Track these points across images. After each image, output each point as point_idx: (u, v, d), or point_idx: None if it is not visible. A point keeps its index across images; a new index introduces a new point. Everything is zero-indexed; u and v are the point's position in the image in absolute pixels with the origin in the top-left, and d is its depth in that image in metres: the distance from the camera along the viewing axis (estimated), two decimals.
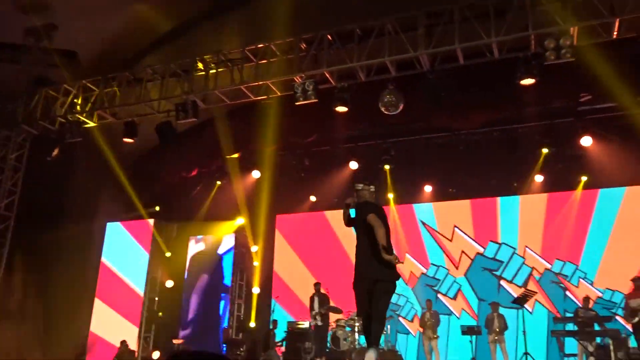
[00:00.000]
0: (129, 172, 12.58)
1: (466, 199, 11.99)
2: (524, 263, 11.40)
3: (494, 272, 11.59)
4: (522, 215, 11.57)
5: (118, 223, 13.05)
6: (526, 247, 11.42)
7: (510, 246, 11.58)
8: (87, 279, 12.43)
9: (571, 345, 9.62)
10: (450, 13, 7.53)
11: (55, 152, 9.82)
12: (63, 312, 11.23)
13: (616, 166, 10.15)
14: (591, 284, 10.76)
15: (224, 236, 13.52)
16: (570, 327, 9.44)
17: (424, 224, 12.33)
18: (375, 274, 4.69)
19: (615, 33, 7.05)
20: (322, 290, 10.67)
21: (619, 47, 7.17)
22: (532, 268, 11.29)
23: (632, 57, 7.10)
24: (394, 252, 4.76)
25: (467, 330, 10.13)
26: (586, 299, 9.76)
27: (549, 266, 11.16)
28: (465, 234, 11.94)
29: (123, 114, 9.86)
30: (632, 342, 8.80)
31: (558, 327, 9.65)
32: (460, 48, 7.58)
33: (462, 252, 11.90)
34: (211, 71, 9.15)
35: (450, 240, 12.07)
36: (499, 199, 11.77)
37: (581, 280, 10.89)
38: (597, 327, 9.00)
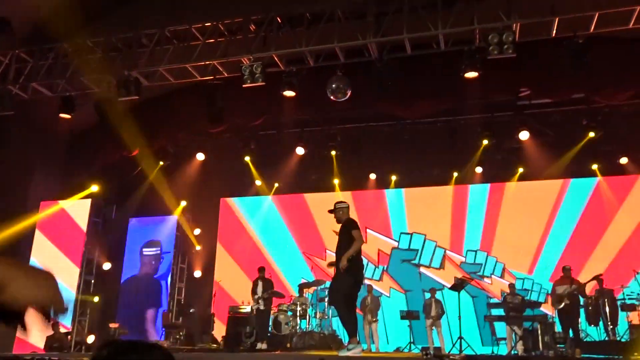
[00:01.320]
0: (66, 149, 12.06)
1: (407, 187, 12.29)
2: (436, 246, 11.86)
3: (412, 262, 12.00)
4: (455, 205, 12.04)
5: (53, 202, 12.46)
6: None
7: (420, 233, 12.02)
8: (19, 257, 11.85)
9: (502, 329, 10.10)
10: (400, 2, 7.60)
11: None
12: None
13: (551, 160, 10.65)
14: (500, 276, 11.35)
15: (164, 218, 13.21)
16: (501, 312, 9.90)
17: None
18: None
19: (554, 31, 7.34)
20: (266, 276, 10.66)
21: (557, 45, 7.46)
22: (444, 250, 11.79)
23: (569, 55, 7.41)
24: None
25: (406, 315, 10.43)
26: (511, 286, 10.25)
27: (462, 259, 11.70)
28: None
29: (60, 88, 9.39)
30: (557, 327, 9.32)
31: (490, 312, 10.09)
32: (408, 38, 7.67)
33: (379, 249, 12.25)
34: (156, 48, 8.84)
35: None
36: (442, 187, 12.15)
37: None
38: (528, 312, 9.49)
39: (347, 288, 6.01)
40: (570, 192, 11.42)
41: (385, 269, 12.20)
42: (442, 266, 11.76)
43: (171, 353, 1.26)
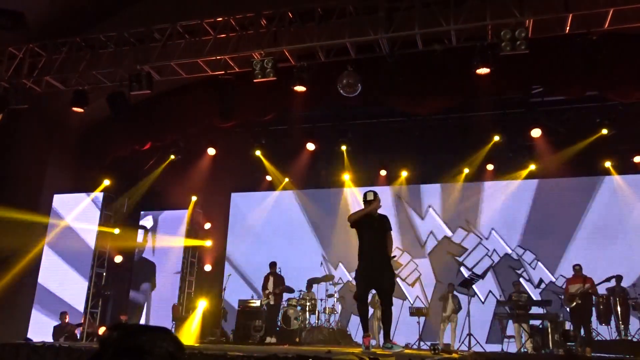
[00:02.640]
0: (79, 143, 12.17)
1: (420, 183, 12.25)
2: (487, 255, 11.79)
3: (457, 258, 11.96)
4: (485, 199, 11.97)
5: (65, 195, 12.60)
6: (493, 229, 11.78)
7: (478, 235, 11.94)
8: (31, 248, 12.00)
9: (512, 327, 10.06)
10: None
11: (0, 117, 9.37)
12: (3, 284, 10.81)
13: (562, 157, 10.56)
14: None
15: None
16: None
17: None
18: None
19: (567, 28, 7.26)
20: (278, 271, 10.71)
21: (571, 42, 7.37)
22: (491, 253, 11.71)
23: (582, 52, 7.32)
24: None
25: (415, 312, 10.43)
26: (516, 284, 10.19)
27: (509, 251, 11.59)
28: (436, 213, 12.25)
29: (73, 82, 9.47)
30: (568, 325, 9.27)
31: (500, 310, 10.06)
32: (419, 34, 7.63)
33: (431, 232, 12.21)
34: (168, 42, 8.88)
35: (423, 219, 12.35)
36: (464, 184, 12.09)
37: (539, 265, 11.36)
38: (537, 310, 9.45)
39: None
40: (583, 190, 11.31)
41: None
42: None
43: (180, 340, 1.28)
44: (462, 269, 11.72)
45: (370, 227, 6.16)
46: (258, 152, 12.24)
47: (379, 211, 6.27)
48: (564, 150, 10.44)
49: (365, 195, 6.35)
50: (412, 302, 11.68)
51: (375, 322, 10.72)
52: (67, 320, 10.97)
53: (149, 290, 12.77)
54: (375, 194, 6.26)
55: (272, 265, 10.74)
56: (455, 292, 10.55)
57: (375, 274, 6.02)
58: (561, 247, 11.07)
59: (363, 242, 6.15)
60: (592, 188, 11.24)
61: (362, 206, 6.32)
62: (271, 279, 10.54)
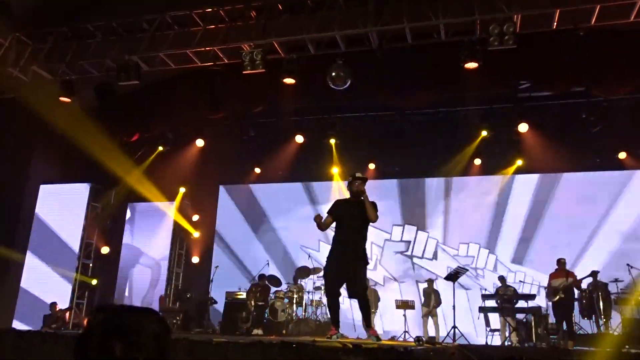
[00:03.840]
0: (65, 133, 12.03)
1: (406, 177, 12.31)
2: (429, 237, 11.93)
3: (405, 253, 12.07)
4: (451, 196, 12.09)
5: (52, 185, 12.51)
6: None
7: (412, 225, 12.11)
8: (17, 240, 11.92)
9: (496, 321, 10.17)
10: None
11: None
12: None
13: (549, 153, 10.65)
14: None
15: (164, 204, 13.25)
16: (494, 303, 9.97)
17: None
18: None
19: (555, 23, 7.32)
20: (266, 282, 10.66)
21: (558, 38, 7.44)
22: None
23: (569, 48, 7.40)
24: None
25: (402, 305, 10.51)
26: (502, 278, 10.29)
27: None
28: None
29: (60, 72, 9.39)
30: (551, 319, 9.39)
31: (485, 304, 10.16)
32: (408, 28, 7.66)
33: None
34: (156, 33, 8.83)
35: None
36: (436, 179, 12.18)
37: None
38: (522, 304, 9.55)
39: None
40: (566, 185, 11.44)
41: (379, 259, 12.27)
42: (434, 257, 11.84)
43: (166, 320, 1.28)
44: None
45: (348, 212, 5.67)
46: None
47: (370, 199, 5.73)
48: (550, 145, 10.53)
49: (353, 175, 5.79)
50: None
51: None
52: (57, 309, 10.94)
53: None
54: (362, 177, 5.72)
55: (261, 277, 10.71)
56: (435, 287, 10.67)
57: (347, 268, 5.54)
58: (547, 241, 11.21)
59: (339, 230, 5.70)
60: (578, 183, 11.38)
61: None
62: (257, 291, 10.44)
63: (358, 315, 10.89)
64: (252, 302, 10.19)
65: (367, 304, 5.67)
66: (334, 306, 5.72)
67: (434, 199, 12.19)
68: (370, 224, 5.72)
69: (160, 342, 1.17)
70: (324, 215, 5.88)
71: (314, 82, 8.96)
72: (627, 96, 8.76)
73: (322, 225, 5.73)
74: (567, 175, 11.44)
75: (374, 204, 5.66)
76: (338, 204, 5.87)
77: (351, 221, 5.62)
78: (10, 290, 11.62)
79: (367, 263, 5.69)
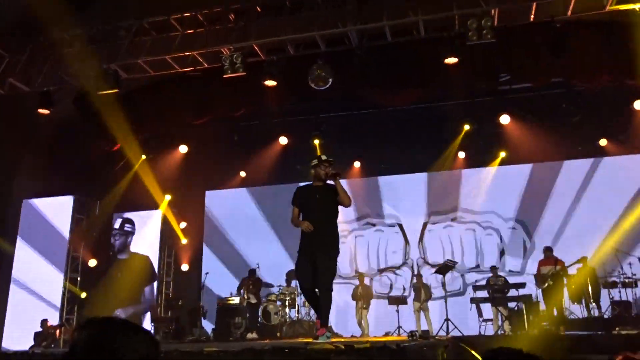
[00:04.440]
0: (49, 145, 11.85)
1: (394, 174, 12.38)
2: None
3: None
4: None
5: (35, 200, 12.31)
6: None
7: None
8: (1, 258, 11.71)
9: (488, 311, 10.27)
10: None
11: None
12: None
13: (532, 143, 10.79)
14: None
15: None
16: (486, 294, 10.07)
17: None
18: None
19: (532, 16, 7.40)
20: (258, 273, 10.67)
21: (536, 30, 7.53)
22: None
23: (547, 40, 7.49)
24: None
25: (394, 300, 10.57)
26: (493, 268, 10.40)
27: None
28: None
29: (38, 84, 9.22)
30: (542, 306, 9.51)
31: (477, 295, 10.26)
32: (388, 25, 7.68)
33: None
34: (134, 40, 8.72)
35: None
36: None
37: None
38: (512, 293, 9.67)
39: (335, 268, 5.26)
40: (552, 175, 11.60)
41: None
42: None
43: (155, 338, 1.23)
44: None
45: (312, 199, 5.24)
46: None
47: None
48: (533, 135, 10.66)
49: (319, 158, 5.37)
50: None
51: (358, 312, 10.82)
52: (48, 325, 10.77)
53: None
54: (329, 160, 5.31)
55: (252, 272, 10.70)
56: (424, 281, 10.75)
57: (315, 257, 5.09)
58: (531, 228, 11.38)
59: (305, 219, 5.19)
60: (559, 172, 11.54)
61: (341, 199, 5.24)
62: (249, 282, 10.46)
63: (350, 314, 11.02)
64: (245, 297, 10.16)
65: (329, 299, 5.09)
66: (312, 302, 5.33)
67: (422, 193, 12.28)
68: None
69: None
70: None
71: (296, 83, 8.94)
72: (605, 85, 8.90)
73: (293, 220, 5.28)
74: (551, 165, 11.59)
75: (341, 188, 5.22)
76: (299, 191, 5.42)
77: (316, 207, 5.18)
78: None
79: (337, 253, 5.22)
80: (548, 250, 9.90)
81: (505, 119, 10.39)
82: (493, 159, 11.63)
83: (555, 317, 9.03)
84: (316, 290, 5.14)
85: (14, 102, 9.47)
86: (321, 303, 5.10)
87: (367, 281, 11.34)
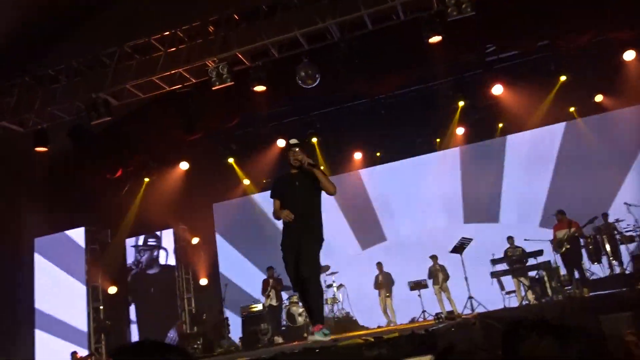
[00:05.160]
0: (50, 181, 11.94)
1: (394, 161, 12.34)
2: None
3: None
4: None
5: (46, 237, 12.42)
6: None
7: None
8: (22, 301, 11.85)
9: (510, 283, 10.23)
10: None
11: None
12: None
13: (528, 110, 10.72)
14: None
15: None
16: (505, 266, 10.02)
17: None
18: None
19: None
20: (276, 274, 10.70)
21: None
22: None
23: (529, 4, 7.42)
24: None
25: (414, 285, 10.55)
26: (510, 238, 10.32)
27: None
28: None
29: (31, 123, 9.28)
30: (562, 271, 9.46)
31: (496, 268, 10.21)
32: (366, 14, 7.64)
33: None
34: (118, 65, 8.75)
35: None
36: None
37: None
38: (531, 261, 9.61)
39: (318, 255, 4.73)
40: (551, 138, 11.52)
41: None
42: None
43: (189, 352, 1.25)
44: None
45: (291, 188, 4.84)
46: (231, 160, 12.26)
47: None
48: (527, 102, 10.59)
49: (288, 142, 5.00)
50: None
51: (382, 301, 10.81)
52: (78, 357, 10.88)
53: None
54: (297, 143, 4.88)
55: (269, 269, 10.73)
56: (440, 262, 10.71)
57: (298, 247, 4.65)
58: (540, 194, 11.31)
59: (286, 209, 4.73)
60: (559, 134, 11.46)
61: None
62: (270, 282, 10.53)
63: (374, 304, 11.01)
64: (269, 297, 10.22)
65: (318, 287, 4.68)
66: (302, 300, 4.87)
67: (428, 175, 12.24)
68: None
69: None
70: None
71: (285, 85, 8.95)
72: (590, 42, 8.80)
73: (275, 214, 4.83)
74: (550, 128, 11.51)
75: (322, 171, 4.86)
76: (277, 182, 5.09)
77: (294, 195, 4.77)
78: (27, 334, 11.59)
79: (321, 240, 4.76)
80: (560, 213, 9.80)
81: (497, 89, 10.31)
82: (493, 131, 11.56)
83: (577, 280, 8.98)
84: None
85: (8, 143, 9.54)
86: (311, 293, 4.59)
87: (386, 269, 11.32)
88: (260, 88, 8.49)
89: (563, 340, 1.56)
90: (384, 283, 10.90)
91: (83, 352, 11.45)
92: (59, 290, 12.12)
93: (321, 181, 4.72)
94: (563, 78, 10.18)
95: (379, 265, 11.20)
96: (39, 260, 12.29)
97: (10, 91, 9.17)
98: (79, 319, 12.06)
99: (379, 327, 10.27)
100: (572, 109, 11.15)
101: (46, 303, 12.11)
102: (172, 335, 12.26)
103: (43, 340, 11.85)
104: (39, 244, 12.35)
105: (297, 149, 4.81)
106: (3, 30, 8.73)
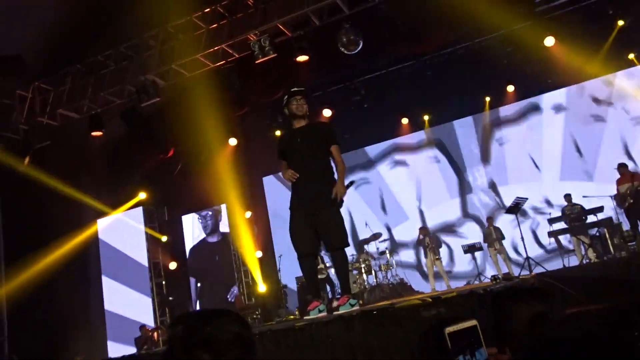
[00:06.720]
0: (107, 164, 12.44)
1: (440, 124, 12.10)
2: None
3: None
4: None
5: (108, 218, 13.01)
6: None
7: None
8: (91, 284, 12.54)
9: (569, 242, 9.95)
10: None
11: (27, 161, 9.63)
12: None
13: (582, 61, 10.19)
14: None
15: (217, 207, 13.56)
16: (563, 225, 9.72)
17: None
18: None
19: None
20: None
21: None
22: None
23: None
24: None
25: (468, 249, 10.43)
26: (567, 196, 9.96)
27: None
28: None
29: (85, 109, 9.64)
30: (625, 226, 9.09)
31: (553, 227, 9.93)
32: None
33: None
34: (163, 46, 8.91)
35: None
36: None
37: None
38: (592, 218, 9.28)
39: (343, 221, 4.35)
40: (608, 90, 10.94)
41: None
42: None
43: (241, 315, 1.30)
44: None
45: (294, 144, 4.39)
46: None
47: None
48: (582, 52, 10.04)
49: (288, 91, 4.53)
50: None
51: (430, 265, 10.72)
52: (146, 329, 11.49)
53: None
54: (300, 90, 4.45)
55: None
56: (494, 224, 10.50)
57: (314, 213, 4.22)
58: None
59: (293, 169, 4.32)
60: (614, 84, 10.86)
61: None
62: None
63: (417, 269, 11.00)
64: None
65: (346, 260, 4.38)
66: (306, 269, 4.37)
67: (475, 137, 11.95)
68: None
69: (243, 341, 1.19)
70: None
71: (328, 53, 8.85)
72: None
73: (283, 175, 4.45)
74: (607, 78, 10.92)
75: (322, 127, 4.59)
76: (281, 138, 4.72)
77: (299, 153, 4.33)
78: (97, 315, 12.27)
79: (342, 202, 4.33)
80: (622, 166, 9.38)
81: (549, 41, 9.82)
82: (545, 87, 11.08)
83: None
84: (318, 256, 4.43)
85: (66, 131, 9.95)
86: (339, 263, 4.31)
87: (431, 232, 11.21)
88: (302, 58, 8.44)
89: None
90: (432, 245, 10.78)
91: (151, 325, 12.04)
92: (124, 270, 12.72)
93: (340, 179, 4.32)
94: (621, 23, 9.57)
95: (423, 229, 11.05)
96: (103, 237, 12.91)
97: (64, 80, 9.54)
98: (145, 292, 12.65)
99: (434, 290, 10.26)
100: (631, 56, 10.48)
101: (113, 282, 12.74)
102: (234, 291, 12.71)
103: (112, 317, 12.52)
104: (103, 223, 12.95)
105: (300, 97, 4.40)
106: (54, 22, 9.03)
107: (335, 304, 4.31)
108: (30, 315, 9.91)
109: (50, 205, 10.66)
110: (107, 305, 12.59)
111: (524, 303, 1.71)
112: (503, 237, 10.41)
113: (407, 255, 12.12)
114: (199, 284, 13.39)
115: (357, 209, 12.26)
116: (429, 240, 10.82)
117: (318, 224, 4.23)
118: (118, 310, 12.55)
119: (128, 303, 12.57)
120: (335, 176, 4.36)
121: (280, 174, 4.52)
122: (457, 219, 11.96)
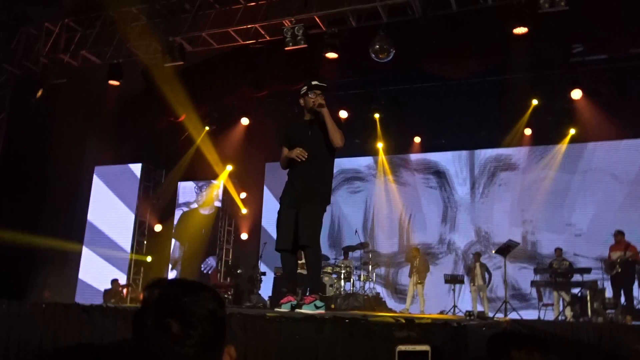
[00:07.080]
0: (116, 116, 12.42)
1: (453, 150, 12.06)
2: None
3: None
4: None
5: (105, 167, 13.01)
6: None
7: None
8: (75, 223, 12.49)
9: (549, 295, 9.93)
10: None
11: (40, 93, 9.62)
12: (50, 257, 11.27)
13: (604, 120, 10.14)
14: None
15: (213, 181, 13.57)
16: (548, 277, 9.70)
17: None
18: None
19: None
20: None
21: None
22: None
23: (624, 8, 6.95)
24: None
25: (450, 279, 10.40)
26: (558, 250, 9.94)
27: None
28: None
29: (108, 56, 9.62)
30: (608, 293, 9.06)
31: (538, 278, 9.91)
32: None
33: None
34: (198, 13, 8.89)
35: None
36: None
37: None
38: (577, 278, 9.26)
39: (321, 219, 4.23)
40: (626, 153, 10.90)
41: None
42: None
43: (221, 297, 1.30)
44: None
45: (303, 136, 4.28)
46: None
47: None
48: (606, 111, 10.00)
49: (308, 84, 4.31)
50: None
51: (411, 287, 10.72)
52: (118, 284, 11.50)
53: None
54: (320, 85, 4.28)
55: None
56: (482, 261, 10.48)
57: (297, 207, 4.16)
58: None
59: (292, 161, 4.23)
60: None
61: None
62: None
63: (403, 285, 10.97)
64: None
65: (318, 258, 4.26)
66: (286, 264, 4.34)
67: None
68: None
69: (216, 319, 1.18)
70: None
71: (357, 56, 8.83)
72: None
73: (282, 162, 4.37)
74: (627, 142, 10.86)
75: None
76: (288, 127, 4.55)
77: (309, 145, 4.18)
78: (73, 257, 12.29)
79: (326, 203, 4.25)
80: (619, 234, 9.33)
81: (577, 94, 9.79)
82: (561, 136, 11.04)
83: (623, 306, 8.59)
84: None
85: (84, 76, 9.93)
86: (308, 260, 4.20)
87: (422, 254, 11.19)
88: (332, 55, 8.43)
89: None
90: (420, 269, 10.75)
91: (123, 280, 12.05)
92: (112, 213, 12.74)
93: (330, 129, 4.13)
94: None
95: (416, 250, 11.04)
96: (97, 185, 12.91)
97: (94, 24, 9.51)
98: (124, 246, 12.66)
99: (403, 311, 10.24)
100: None
101: (98, 220, 12.75)
102: (209, 262, 12.73)
103: (89, 257, 12.52)
104: (100, 171, 12.95)
105: (319, 92, 4.22)
106: None
107: (302, 301, 4.20)
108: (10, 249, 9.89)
109: (55, 141, 10.69)
110: (86, 249, 12.58)
111: (524, 351, 1.68)
112: (490, 276, 10.34)
113: (388, 272, 12.13)
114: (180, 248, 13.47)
115: (349, 216, 12.26)
116: (418, 262, 10.81)
117: (298, 218, 4.17)
118: (96, 258, 12.55)
119: (106, 253, 12.57)
120: (329, 179, 4.40)
121: (280, 162, 4.42)
122: (441, 247, 11.95)
